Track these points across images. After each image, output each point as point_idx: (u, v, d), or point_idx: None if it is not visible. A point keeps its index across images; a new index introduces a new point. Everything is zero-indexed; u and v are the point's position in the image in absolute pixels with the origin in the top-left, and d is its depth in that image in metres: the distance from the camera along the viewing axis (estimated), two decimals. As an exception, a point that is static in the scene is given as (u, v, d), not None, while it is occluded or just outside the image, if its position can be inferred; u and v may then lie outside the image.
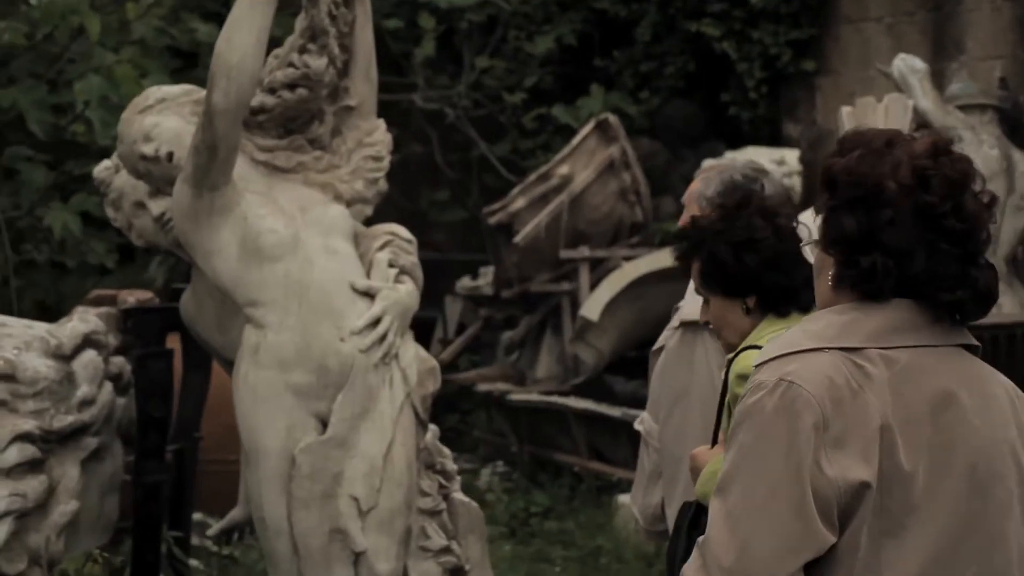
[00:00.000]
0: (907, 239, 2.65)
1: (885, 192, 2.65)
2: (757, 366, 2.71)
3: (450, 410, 11.45)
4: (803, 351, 2.66)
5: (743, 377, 3.43)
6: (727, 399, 3.65)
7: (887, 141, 2.73)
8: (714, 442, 3.77)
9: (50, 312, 9.16)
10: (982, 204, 2.72)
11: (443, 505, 5.26)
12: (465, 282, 12.24)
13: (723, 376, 3.73)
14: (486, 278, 11.83)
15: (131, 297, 6.55)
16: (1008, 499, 2.70)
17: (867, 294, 2.69)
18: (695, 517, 3.68)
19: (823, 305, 2.78)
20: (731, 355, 3.75)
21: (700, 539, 2.66)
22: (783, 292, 3.71)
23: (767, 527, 2.58)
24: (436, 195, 13.69)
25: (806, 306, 3.60)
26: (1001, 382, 2.79)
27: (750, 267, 3.69)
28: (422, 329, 11.77)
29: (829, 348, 2.65)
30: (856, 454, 2.60)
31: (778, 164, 11.31)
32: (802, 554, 2.58)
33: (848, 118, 7.28)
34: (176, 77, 10.49)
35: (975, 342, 2.77)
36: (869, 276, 2.67)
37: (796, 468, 2.58)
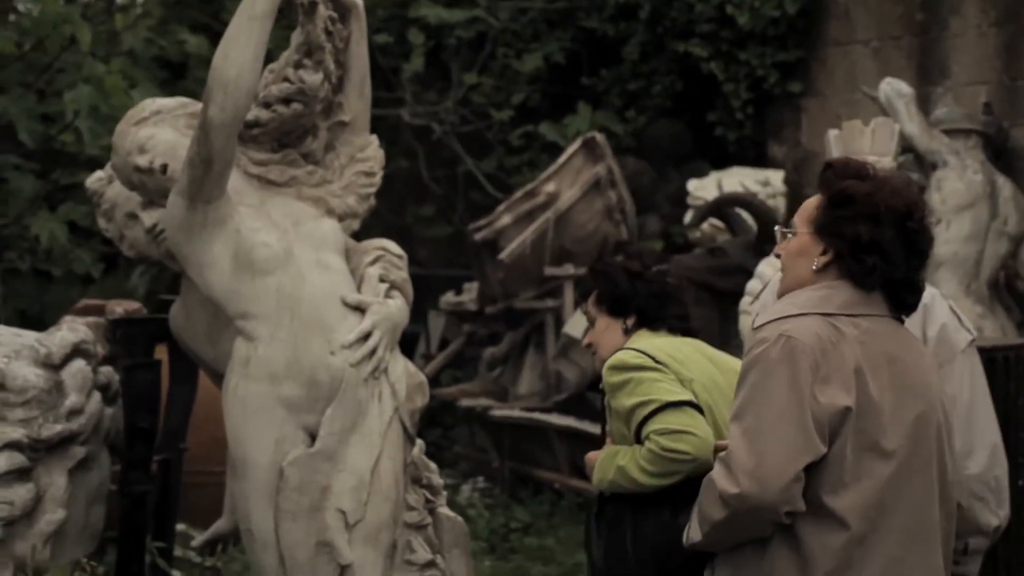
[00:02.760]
0: (898, 251, 3.71)
1: (890, 215, 3.70)
2: (756, 328, 3.72)
3: (432, 425, 11.46)
4: (792, 316, 3.67)
5: (613, 367, 4.26)
6: (606, 397, 4.32)
7: (886, 176, 3.80)
8: (602, 439, 4.51)
9: (32, 321, 9.16)
10: (932, 232, 3.82)
11: (429, 519, 5.29)
12: (449, 297, 12.25)
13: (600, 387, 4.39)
14: (470, 294, 11.85)
15: (119, 308, 6.58)
16: (937, 434, 3.72)
17: (861, 285, 3.72)
18: (600, 505, 4.31)
19: (799, 282, 3.79)
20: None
21: (722, 454, 3.63)
22: (655, 317, 4.52)
23: (778, 440, 3.53)
24: (422, 210, 13.72)
25: (670, 329, 4.51)
26: (925, 349, 3.94)
27: (639, 292, 4.51)
28: (405, 344, 11.78)
29: (811, 313, 3.67)
30: (839, 387, 3.58)
31: (763, 185, 11.37)
32: (804, 458, 3.54)
33: (835, 141, 7.30)
34: (164, 88, 10.53)
35: (903, 316, 3.84)
36: (870, 272, 3.70)
37: (798, 397, 3.55)
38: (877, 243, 3.69)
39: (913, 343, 3.82)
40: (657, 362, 4.21)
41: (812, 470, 3.58)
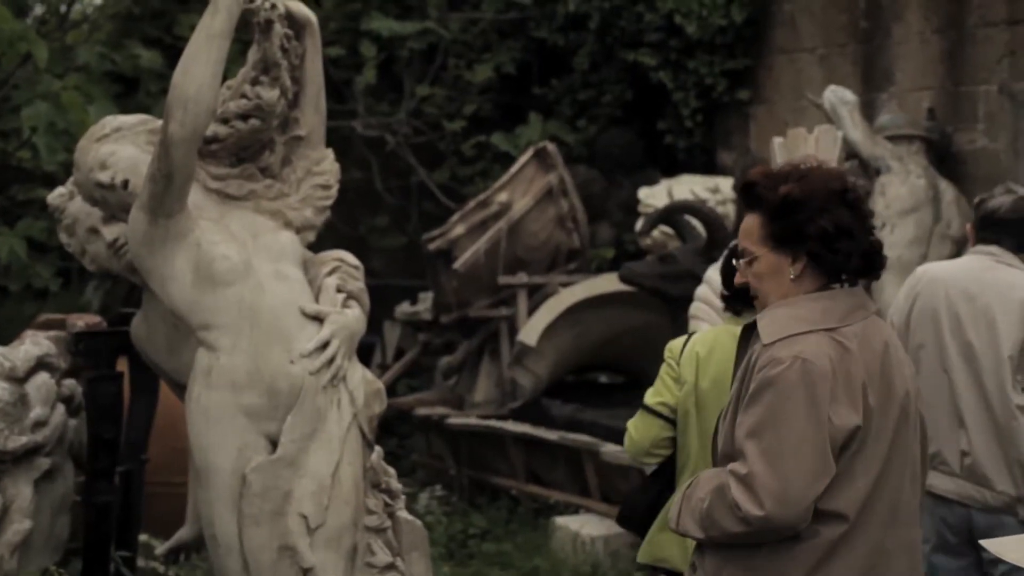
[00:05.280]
0: (856, 224, 3.84)
1: (834, 198, 3.83)
2: (767, 345, 3.76)
3: (388, 434, 11.53)
4: (800, 333, 3.75)
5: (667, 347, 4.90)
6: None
7: (808, 168, 3.92)
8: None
9: (-14, 336, 9.18)
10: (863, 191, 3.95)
11: (388, 523, 5.39)
12: (404, 307, 12.34)
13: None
14: (425, 303, 11.94)
15: (80, 321, 6.65)
16: (913, 416, 3.89)
17: (837, 272, 3.85)
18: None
19: (782, 296, 3.87)
20: None
21: (739, 470, 3.69)
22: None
23: (801, 464, 3.65)
24: (375, 221, 13.80)
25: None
26: (898, 342, 3.98)
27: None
28: (361, 354, 11.90)
29: (817, 330, 3.76)
30: (849, 407, 3.72)
31: (712, 192, 11.50)
32: (823, 480, 3.68)
33: (780, 148, 7.48)
34: (118, 102, 10.58)
35: (877, 308, 3.98)
36: (847, 256, 3.83)
37: (817, 421, 3.67)
38: (840, 227, 3.81)
39: (891, 336, 3.94)
40: (681, 357, 4.84)
41: None
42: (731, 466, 3.76)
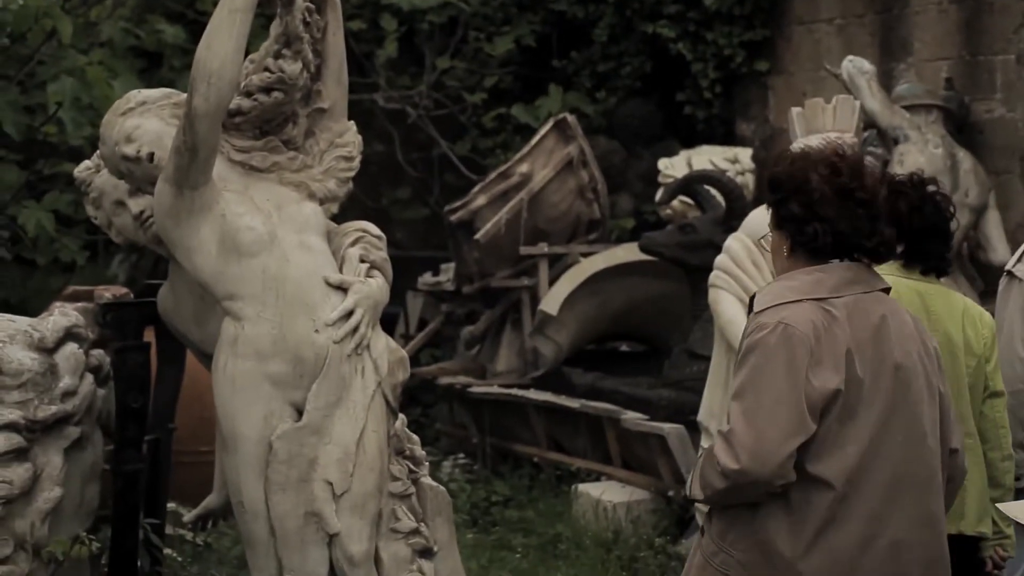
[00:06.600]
0: (832, 210, 3.96)
1: (812, 182, 3.96)
2: (757, 312, 3.97)
3: (412, 403, 11.63)
4: (789, 302, 3.94)
5: None
6: None
7: (804, 150, 4.13)
8: None
9: (14, 310, 9.27)
10: (877, 180, 4.07)
11: (412, 489, 5.44)
12: (426, 278, 12.42)
13: None
14: (447, 274, 12.02)
15: (107, 293, 6.73)
16: (920, 389, 4.00)
17: (814, 252, 4.01)
18: None
19: (781, 271, 4.10)
20: None
21: (723, 429, 3.92)
22: None
23: (776, 421, 3.83)
24: (398, 193, 13.87)
25: None
26: (908, 312, 4.16)
27: None
28: (384, 324, 12.00)
29: (806, 299, 3.93)
30: (831, 370, 3.87)
31: (731, 162, 11.56)
32: (798, 438, 3.84)
33: (798, 119, 7.52)
34: (142, 77, 10.66)
35: (888, 286, 4.13)
36: (812, 238, 3.97)
37: (794, 382, 3.84)
38: (811, 210, 3.97)
39: (897, 311, 4.08)
40: None
41: (803, 443, 3.90)
42: (719, 427, 4.01)
